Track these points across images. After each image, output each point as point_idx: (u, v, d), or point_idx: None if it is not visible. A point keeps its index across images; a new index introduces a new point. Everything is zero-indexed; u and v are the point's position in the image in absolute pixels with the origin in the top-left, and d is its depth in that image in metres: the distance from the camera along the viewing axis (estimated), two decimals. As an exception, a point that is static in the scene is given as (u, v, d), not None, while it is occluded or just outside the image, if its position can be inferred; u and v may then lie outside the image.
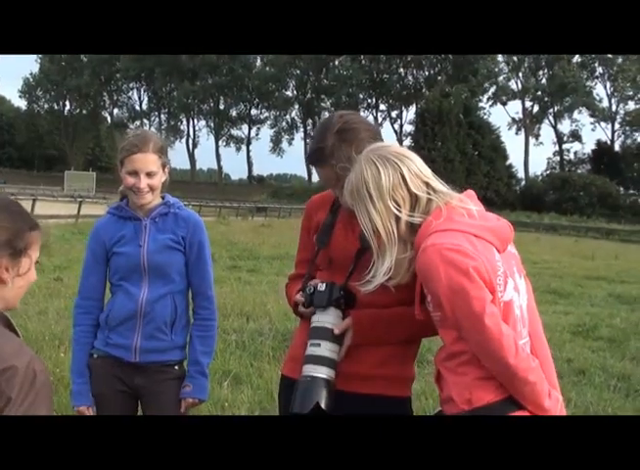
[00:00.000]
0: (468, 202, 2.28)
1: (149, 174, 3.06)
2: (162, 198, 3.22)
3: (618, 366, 8.15)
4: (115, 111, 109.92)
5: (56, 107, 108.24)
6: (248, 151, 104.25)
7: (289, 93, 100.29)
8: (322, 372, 2.45)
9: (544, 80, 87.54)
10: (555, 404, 2.23)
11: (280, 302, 10.51)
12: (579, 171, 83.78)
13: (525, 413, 2.18)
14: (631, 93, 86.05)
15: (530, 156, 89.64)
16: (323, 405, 2.39)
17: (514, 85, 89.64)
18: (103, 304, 3.27)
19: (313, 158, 2.58)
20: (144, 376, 3.16)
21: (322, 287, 2.54)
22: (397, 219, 2.23)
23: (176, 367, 3.22)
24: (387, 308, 2.55)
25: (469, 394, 2.19)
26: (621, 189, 78.76)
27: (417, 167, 2.28)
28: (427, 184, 2.27)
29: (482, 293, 2.09)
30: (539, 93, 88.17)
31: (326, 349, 2.47)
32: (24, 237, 1.93)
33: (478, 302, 2.08)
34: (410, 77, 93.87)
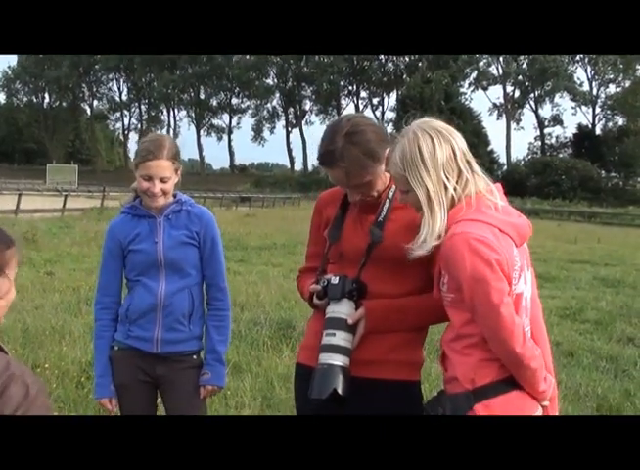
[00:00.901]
0: (497, 195, 2.43)
1: (162, 179, 3.21)
2: (174, 195, 3.35)
3: (606, 348, 8.33)
4: (95, 102, 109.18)
5: (35, 99, 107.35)
6: (229, 140, 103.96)
7: (269, 81, 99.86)
8: (338, 360, 2.58)
9: (525, 65, 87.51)
10: (548, 388, 2.42)
11: (272, 292, 10.65)
12: (561, 156, 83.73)
13: (523, 392, 2.36)
14: (612, 76, 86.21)
15: (512, 141, 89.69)
16: (340, 391, 2.53)
17: (495, 70, 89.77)
18: (121, 299, 3.41)
19: (323, 159, 2.70)
20: (164, 366, 3.30)
21: (335, 280, 2.68)
22: (446, 189, 2.36)
23: (194, 357, 3.37)
24: (397, 298, 2.70)
25: (473, 374, 2.35)
26: (603, 172, 78.97)
27: (463, 145, 2.42)
28: (468, 163, 2.41)
29: (502, 284, 2.25)
30: (520, 78, 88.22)
31: (341, 338, 2.61)
32: (1, 258, 1.85)
33: (497, 292, 2.23)
34: (391, 64, 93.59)
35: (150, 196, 3.23)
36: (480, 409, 2.32)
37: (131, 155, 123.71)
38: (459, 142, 2.41)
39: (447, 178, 2.36)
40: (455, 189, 2.37)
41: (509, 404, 2.34)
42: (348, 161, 2.61)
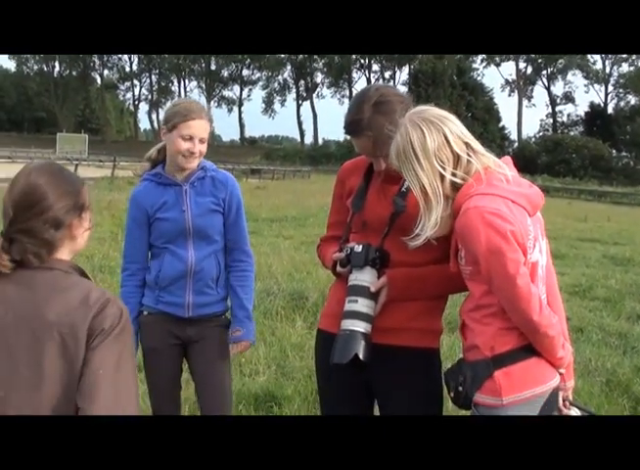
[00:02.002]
0: (505, 167, 2.46)
1: (201, 140, 3.26)
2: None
3: (615, 325, 8.39)
4: (106, 72, 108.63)
5: (45, 68, 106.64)
6: (239, 112, 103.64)
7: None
8: (360, 326, 2.63)
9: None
10: (567, 354, 2.49)
11: (284, 263, 10.70)
12: (572, 133, 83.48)
13: (541, 360, 2.41)
14: (625, 55, 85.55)
15: (523, 117, 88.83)
16: (361, 356, 2.59)
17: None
18: (146, 265, 3.48)
19: (350, 129, 2.75)
20: (194, 327, 3.40)
21: (359, 248, 2.71)
22: (442, 178, 2.39)
23: (222, 317, 3.47)
24: (418, 267, 2.74)
25: (493, 342, 2.40)
26: (614, 151, 78.67)
27: (458, 129, 2.44)
28: (467, 145, 2.43)
29: (517, 255, 2.29)
30: (533, 54, 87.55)
31: (363, 305, 2.66)
32: (83, 195, 2.11)
33: (512, 263, 2.27)
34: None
35: (187, 156, 3.26)
36: (500, 376, 2.37)
37: (141, 125, 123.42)
38: (452, 127, 2.43)
39: (442, 167, 2.38)
40: (455, 174, 2.39)
41: (528, 371, 2.39)
42: (375, 130, 2.65)
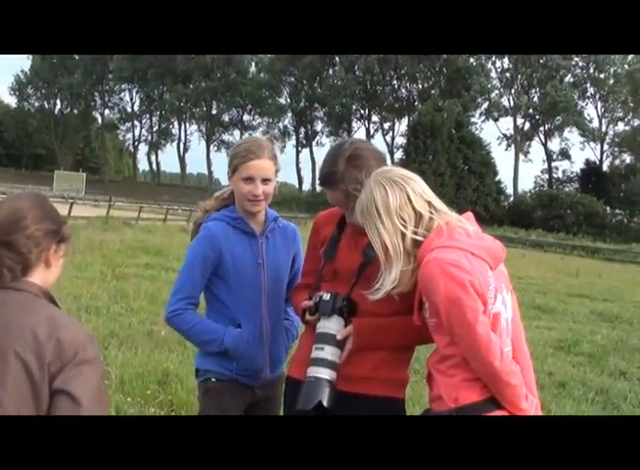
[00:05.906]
0: (466, 222, 2.54)
1: (264, 181, 3.09)
2: None
3: (597, 381, 8.44)
4: (107, 111, 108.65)
5: (46, 105, 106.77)
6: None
7: (282, 100, 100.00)
8: (325, 374, 2.68)
9: (536, 98, 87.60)
10: (530, 406, 2.50)
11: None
12: (567, 190, 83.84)
13: (504, 413, 2.43)
14: (621, 114, 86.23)
15: (520, 172, 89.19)
16: (325, 403, 2.62)
17: (506, 102, 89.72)
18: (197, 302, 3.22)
19: (325, 180, 2.84)
20: (264, 389, 3.27)
21: (327, 297, 2.78)
22: (403, 235, 2.48)
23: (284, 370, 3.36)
24: (385, 317, 2.79)
25: (456, 393, 2.44)
26: (608, 208, 79.00)
27: (420, 188, 2.54)
28: (429, 203, 2.53)
29: (476, 304, 2.35)
30: (531, 111, 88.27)
31: (329, 352, 2.71)
32: (64, 228, 2.23)
33: (471, 312, 2.34)
34: (403, 90, 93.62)
35: (251, 200, 3.10)
36: None
37: (140, 166, 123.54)
38: (415, 187, 2.53)
39: (404, 225, 2.48)
40: (416, 232, 2.49)
41: None
42: (348, 183, 2.73)
